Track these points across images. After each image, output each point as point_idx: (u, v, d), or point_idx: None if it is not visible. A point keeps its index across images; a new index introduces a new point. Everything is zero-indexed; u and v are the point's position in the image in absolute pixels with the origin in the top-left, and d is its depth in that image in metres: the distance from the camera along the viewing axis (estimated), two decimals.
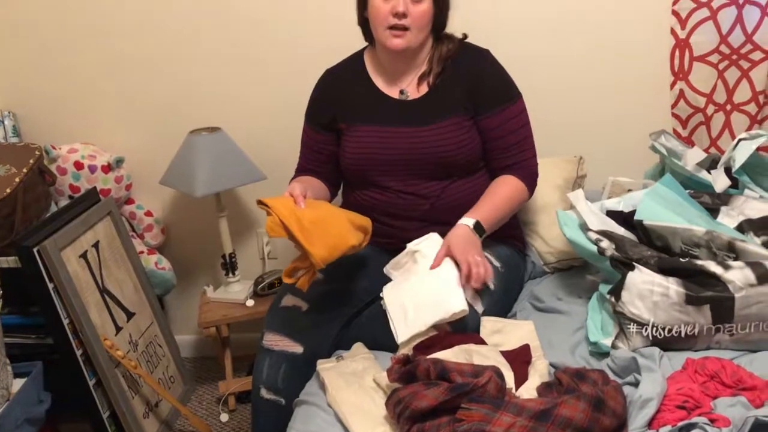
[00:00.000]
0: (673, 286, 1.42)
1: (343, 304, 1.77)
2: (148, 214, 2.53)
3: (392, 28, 1.72)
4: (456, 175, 1.82)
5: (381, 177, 1.82)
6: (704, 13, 2.21)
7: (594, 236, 1.59)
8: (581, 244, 1.61)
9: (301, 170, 1.97)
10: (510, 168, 1.82)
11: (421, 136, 1.79)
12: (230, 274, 2.45)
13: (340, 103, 1.87)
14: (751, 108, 2.28)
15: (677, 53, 2.28)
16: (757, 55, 2.22)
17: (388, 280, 1.75)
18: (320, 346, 1.71)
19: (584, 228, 1.67)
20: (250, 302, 2.38)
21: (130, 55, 2.43)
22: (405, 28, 1.72)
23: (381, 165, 1.82)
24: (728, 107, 2.30)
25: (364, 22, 1.83)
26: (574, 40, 2.31)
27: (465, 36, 1.87)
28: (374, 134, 1.82)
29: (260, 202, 1.63)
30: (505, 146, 1.81)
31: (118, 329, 2.19)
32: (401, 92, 1.85)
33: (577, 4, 2.28)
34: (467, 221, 1.71)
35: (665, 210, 1.62)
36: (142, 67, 2.44)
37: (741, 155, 1.84)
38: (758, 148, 1.87)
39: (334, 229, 1.63)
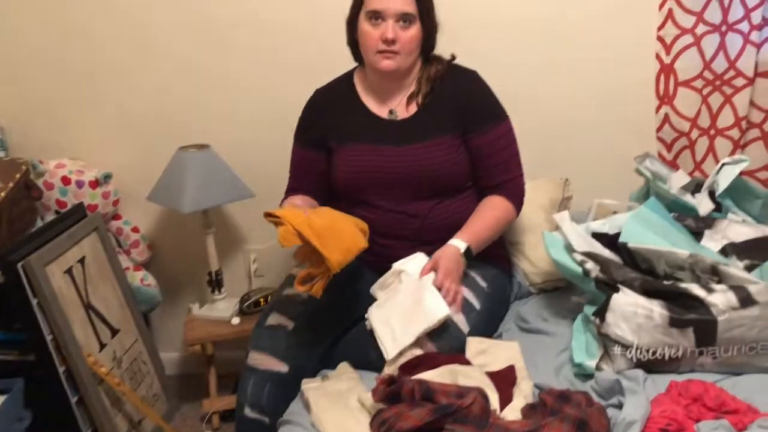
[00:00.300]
0: (657, 309, 1.43)
1: (329, 324, 1.77)
2: (135, 230, 2.53)
3: (382, 52, 1.75)
4: (445, 194, 1.83)
5: (371, 195, 1.83)
6: (688, 39, 2.25)
7: (579, 257, 1.60)
8: (566, 265, 1.63)
9: (291, 190, 1.97)
10: (498, 187, 1.84)
11: (411, 154, 1.81)
12: (216, 292, 2.44)
13: (330, 122, 1.89)
14: (734, 133, 2.31)
15: (662, 78, 2.31)
16: (739, 81, 2.26)
17: (374, 299, 1.75)
18: (305, 365, 1.71)
19: (569, 249, 1.68)
20: (235, 320, 2.37)
21: (120, 71, 2.43)
22: (395, 52, 1.75)
23: (371, 183, 1.83)
24: (712, 132, 2.34)
25: (354, 43, 1.85)
26: (562, 64, 2.34)
27: (453, 57, 1.89)
28: (364, 153, 1.84)
29: (268, 214, 1.64)
30: (494, 164, 1.84)
31: (102, 346, 2.18)
32: (390, 112, 1.86)
33: (565, 29, 2.31)
34: (459, 244, 1.74)
35: (649, 233, 1.64)
36: (132, 83, 2.44)
37: (724, 179, 1.86)
38: (741, 173, 1.90)
39: (345, 233, 1.66)
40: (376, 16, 1.73)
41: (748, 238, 1.69)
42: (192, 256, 2.59)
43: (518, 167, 1.87)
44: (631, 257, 1.62)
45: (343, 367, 1.68)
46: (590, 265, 1.57)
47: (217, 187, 2.29)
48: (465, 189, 1.87)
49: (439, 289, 1.65)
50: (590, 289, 1.58)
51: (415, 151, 1.81)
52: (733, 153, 2.32)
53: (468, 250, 1.74)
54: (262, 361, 1.70)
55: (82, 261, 2.19)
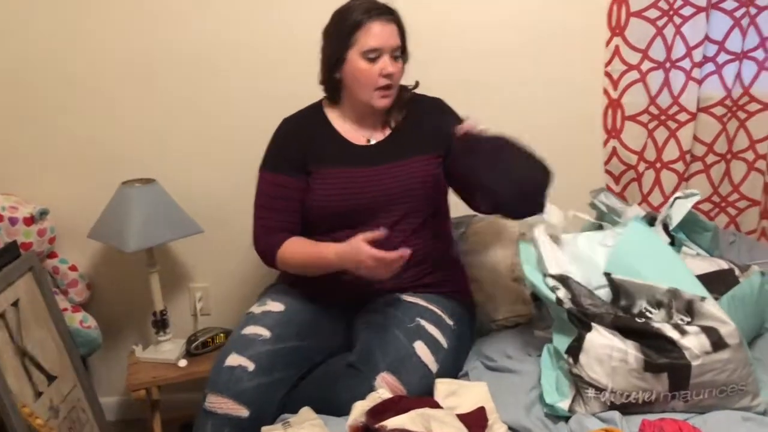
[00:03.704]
0: (632, 351, 1.43)
1: (291, 365, 1.70)
2: (73, 268, 2.39)
3: (381, 88, 1.76)
4: (425, 212, 1.83)
5: (349, 220, 1.78)
6: (634, 75, 2.31)
7: (551, 282, 1.60)
8: (539, 287, 1.62)
9: (267, 230, 1.86)
10: None
11: (391, 172, 1.81)
12: (161, 333, 2.33)
13: (305, 147, 1.84)
14: (679, 166, 2.38)
15: (610, 112, 2.37)
16: (683, 117, 2.33)
17: (339, 339, 1.70)
18: (266, 409, 1.63)
19: (542, 267, 1.68)
20: (182, 362, 2.26)
21: (59, 101, 2.32)
22: (391, 87, 1.77)
23: (350, 207, 1.79)
24: (658, 165, 2.40)
25: (331, 81, 1.83)
26: (511, 99, 2.37)
27: (417, 84, 1.92)
28: (342, 176, 1.81)
29: None
30: None
31: (38, 395, 2.04)
32: (368, 140, 1.87)
33: (515, 64, 2.34)
34: None
35: (635, 261, 1.65)
36: (72, 113, 2.33)
37: (678, 213, 1.90)
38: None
39: None
40: (374, 53, 1.73)
41: (704, 272, 1.72)
42: (134, 295, 2.47)
43: None
44: (614, 289, 1.62)
45: (306, 412, 1.60)
46: (562, 293, 1.56)
47: (163, 223, 2.19)
48: (438, 211, 1.87)
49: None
50: (560, 315, 1.57)
51: (393, 169, 1.81)
52: (678, 186, 2.39)
53: None
54: (220, 404, 1.62)
55: (15, 304, 2.05)
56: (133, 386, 2.22)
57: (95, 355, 2.44)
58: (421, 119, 1.88)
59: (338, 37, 1.76)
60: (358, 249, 1.61)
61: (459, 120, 1.88)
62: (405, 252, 1.59)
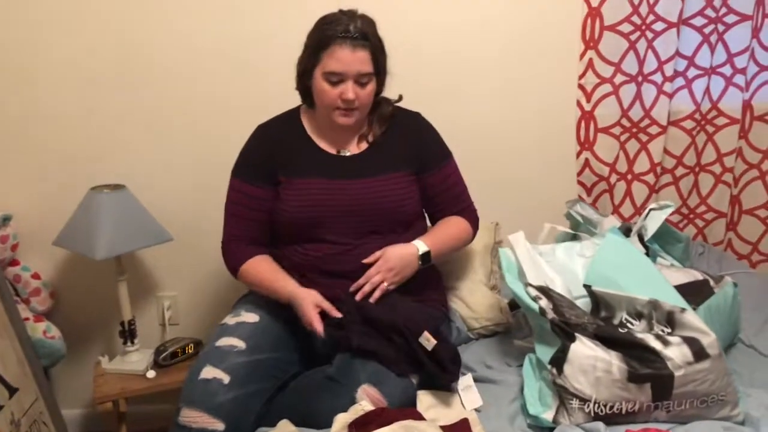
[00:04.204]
0: (615, 362, 1.43)
1: (267, 377, 1.66)
2: (36, 276, 2.31)
3: (340, 108, 1.74)
4: (394, 229, 1.81)
5: (320, 230, 1.77)
6: (607, 88, 2.34)
7: (533, 293, 1.60)
8: (521, 296, 1.62)
9: (235, 238, 1.86)
10: (459, 213, 1.93)
11: (364, 188, 1.79)
12: (129, 343, 2.26)
13: (279, 156, 1.82)
14: (650, 178, 2.41)
15: (583, 124, 2.39)
16: (654, 129, 2.37)
17: (314, 350, 1.67)
18: (243, 422, 1.59)
19: (522, 277, 1.68)
20: (151, 373, 2.20)
21: (24, 103, 2.24)
22: (353, 109, 1.75)
23: (322, 218, 1.77)
24: (629, 177, 2.43)
25: (305, 89, 1.82)
26: (485, 110, 2.38)
27: (400, 97, 1.90)
28: (316, 186, 1.79)
29: None
30: (450, 197, 1.92)
31: None
32: (339, 151, 1.85)
33: (490, 74, 2.35)
34: (419, 245, 1.78)
35: (614, 272, 1.66)
36: (38, 116, 2.26)
37: (652, 225, 1.93)
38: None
39: None
40: (335, 77, 1.70)
41: (680, 283, 1.74)
42: (99, 304, 2.41)
43: (469, 198, 1.97)
44: (594, 300, 1.63)
45: (284, 425, 1.56)
46: (544, 302, 1.56)
47: (132, 230, 2.13)
48: (413, 225, 1.86)
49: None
50: (541, 325, 1.57)
51: (367, 185, 1.79)
52: (649, 197, 2.43)
53: (427, 255, 1.77)
54: (195, 418, 1.57)
55: None
56: (100, 398, 2.15)
57: (58, 366, 2.35)
58: (399, 135, 1.87)
59: (309, 49, 1.75)
60: (306, 310, 1.69)
61: (437, 137, 1.90)
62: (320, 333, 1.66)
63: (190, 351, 2.28)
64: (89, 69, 2.24)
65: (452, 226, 1.90)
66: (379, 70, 1.77)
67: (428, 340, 1.61)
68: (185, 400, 1.61)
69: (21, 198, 2.29)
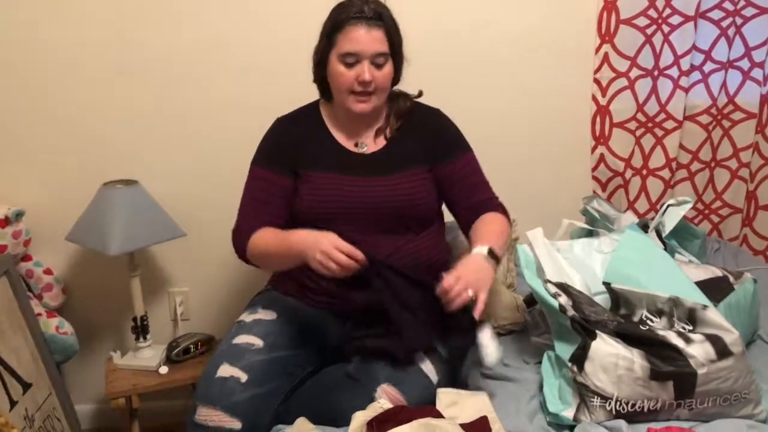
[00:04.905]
0: (637, 360, 1.42)
1: (285, 375, 1.65)
2: (48, 272, 2.30)
3: (356, 93, 1.70)
4: (411, 227, 1.78)
5: (336, 226, 1.72)
6: (623, 82, 2.32)
7: (552, 289, 1.57)
8: (540, 293, 1.59)
9: (247, 222, 1.78)
10: (482, 205, 1.80)
11: (381, 186, 1.75)
12: (141, 339, 2.25)
13: (298, 148, 1.79)
14: (665, 173, 2.39)
15: (598, 119, 2.37)
16: (669, 124, 2.35)
17: (332, 346, 1.66)
18: (260, 421, 1.58)
19: (541, 273, 1.66)
20: (163, 369, 2.19)
21: (37, 100, 2.23)
22: (369, 93, 1.70)
23: (338, 214, 1.73)
24: (644, 172, 2.41)
25: (322, 80, 1.79)
26: (501, 105, 2.36)
27: (420, 93, 1.87)
28: (333, 182, 1.76)
29: None
30: (471, 186, 1.82)
31: (13, 404, 1.96)
32: (356, 144, 1.81)
33: (505, 69, 2.33)
34: (480, 250, 1.62)
35: (634, 269, 1.63)
36: (51, 113, 2.24)
37: (670, 221, 1.91)
38: None
39: None
40: (351, 57, 1.68)
41: (699, 279, 1.72)
42: (111, 299, 2.40)
43: (491, 190, 1.86)
44: (614, 298, 1.61)
45: (302, 423, 1.55)
46: (564, 299, 1.54)
47: (145, 226, 2.12)
48: (430, 225, 1.83)
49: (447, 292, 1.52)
50: (561, 322, 1.55)
51: (386, 182, 1.75)
52: (664, 193, 2.41)
53: (492, 252, 1.61)
54: (211, 416, 1.57)
55: None
56: (112, 394, 2.15)
57: (71, 362, 2.35)
58: (417, 131, 1.82)
59: (325, 35, 1.73)
60: (325, 235, 1.55)
61: (456, 131, 1.85)
62: (360, 258, 1.53)
63: (202, 347, 2.27)
64: (103, 65, 2.22)
65: (491, 223, 1.75)
66: (395, 52, 1.73)
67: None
68: (202, 398, 1.60)
69: (34, 193, 2.28)
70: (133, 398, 2.18)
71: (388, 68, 1.72)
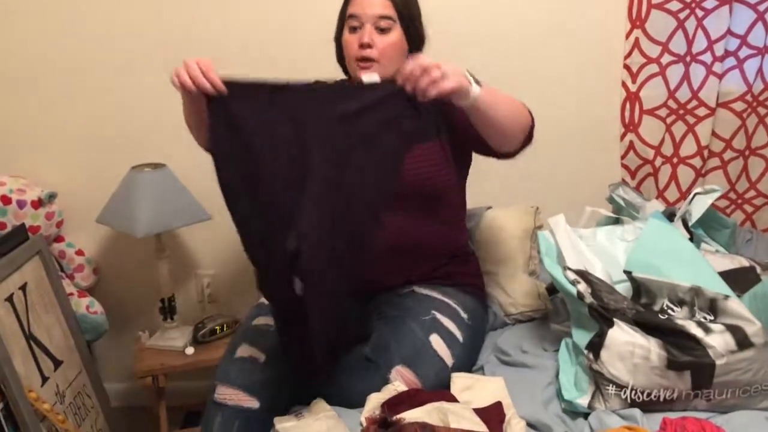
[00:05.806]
0: (654, 349, 1.40)
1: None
2: (80, 253, 2.36)
3: (360, 60, 1.68)
4: (429, 206, 1.75)
5: None
6: (654, 68, 2.28)
7: (572, 276, 1.56)
8: (560, 280, 1.58)
9: None
10: None
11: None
12: (168, 320, 2.30)
13: None
14: (696, 162, 2.34)
15: (628, 106, 2.33)
16: (702, 111, 2.30)
17: (351, 330, 1.67)
18: (278, 400, 1.60)
19: (561, 260, 1.65)
20: (189, 350, 2.24)
21: (68, 86, 2.29)
22: (371, 59, 1.67)
23: None
24: (675, 160, 2.36)
25: (341, 60, 1.80)
26: (529, 91, 2.30)
27: None
28: None
29: None
30: None
31: (45, 380, 2.01)
32: None
33: (534, 54, 2.30)
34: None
35: (656, 258, 1.61)
36: (81, 95, 2.30)
37: (697, 209, 1.87)
38: None
39: None
40: (355, 21, 1.67)
41: (725, 269, 1.69)
42: (140, 280, 2.45)
43: None
44: (636, 286, 1.59)
45: (319, 403, 1.58)
46: (583, 287, 1.52)
47: (173, 209, 2.16)
48: (448, 201, 1.78)
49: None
50: (579, 310, 1.54)
51: (406, 155, 1.69)
52: (695, 181, 2.36)
53: (477, 82, 1.49)
54: (231, 396, 1.58)
55: (24, 288, 2.02)
56: (140, 373, 2.20)
57: (100, 341, 2.41)
58: (431, 109, 1.73)
59: (340, 12, 1.74)
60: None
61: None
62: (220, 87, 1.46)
63: (228, 328, 2.30)
64: (132, 50, 2.26)
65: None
66: (404, 19, 1.68)
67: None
68: (221, 377, 1.62)
69: (66, 176, 2.34)
70: (159, 378, 2.23)
71: (395, 36, 1.68)
